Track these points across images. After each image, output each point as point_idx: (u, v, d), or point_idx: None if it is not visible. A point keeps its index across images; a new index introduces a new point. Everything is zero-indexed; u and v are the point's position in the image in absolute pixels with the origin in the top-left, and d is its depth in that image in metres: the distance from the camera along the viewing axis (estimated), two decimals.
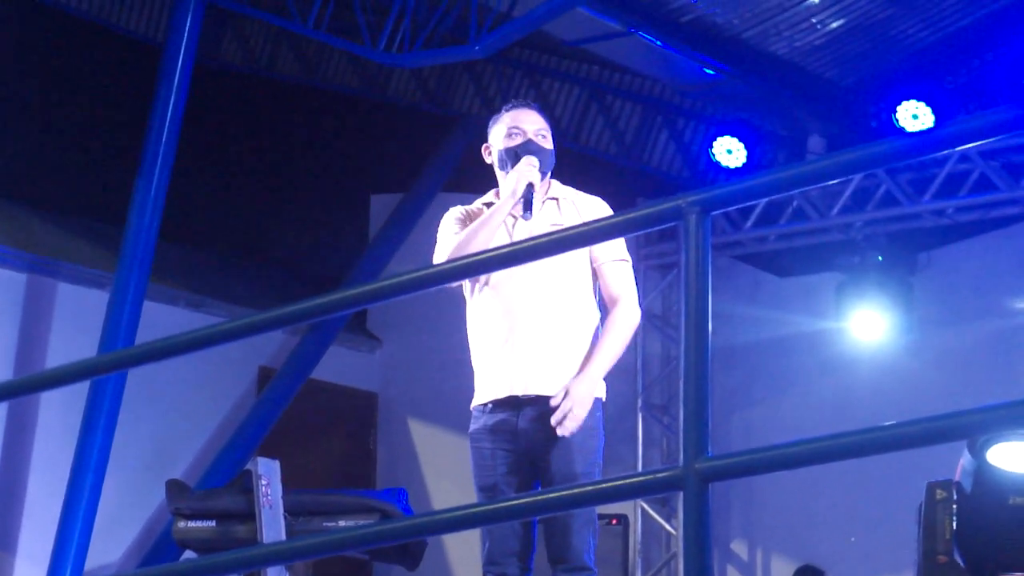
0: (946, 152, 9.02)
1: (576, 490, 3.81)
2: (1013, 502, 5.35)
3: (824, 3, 8.86)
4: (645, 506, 10.84)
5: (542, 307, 4.94)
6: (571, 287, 4.98)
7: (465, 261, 4.16)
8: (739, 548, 10.88)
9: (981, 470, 5.42)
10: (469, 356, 5.13)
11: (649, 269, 11.07)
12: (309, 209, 12.47)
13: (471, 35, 8.73)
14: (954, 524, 5.55)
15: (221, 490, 7.69)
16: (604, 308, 5.08)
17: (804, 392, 10.58)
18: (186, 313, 10.75)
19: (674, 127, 10.88)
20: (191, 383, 10.64)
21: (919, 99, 9.19)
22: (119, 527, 10.22)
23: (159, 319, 9.96)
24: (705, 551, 2.95)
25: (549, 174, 5.12)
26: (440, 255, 5.03)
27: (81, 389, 9.32)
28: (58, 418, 9.89)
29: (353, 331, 11.85)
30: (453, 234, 5.06)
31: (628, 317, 4.98)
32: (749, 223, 10.58)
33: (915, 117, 9.19)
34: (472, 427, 5.00)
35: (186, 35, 9.56)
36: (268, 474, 7.28)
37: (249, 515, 7.24)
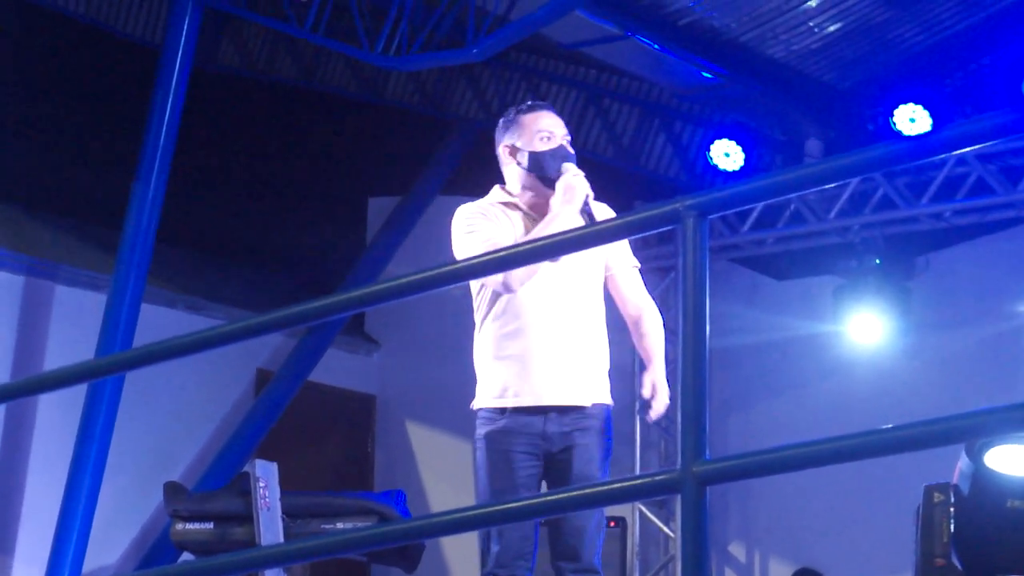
0: (944, 156, 9.03)
1: (575, 492, 3.82)
2: (1011, 505, 5.35)
3: (821, 7, 8.87)
4: (643, 509, 10.84)
5: (565, 316, 4.97)
6: (589, 295, 5.02)
7: (463, 265, 4.16)
8: (737, 551, 10.88)
9: (979, 473, 5.42)
10: (467, 358, 5.12)
11: (646, 272, 11.01)
12: (307, 212, 12.47)
13: (468, 38, 8.73)
14: (952, 527, 5.55)
15: (219, 492, 7.69)
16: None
17: (802, 395, 10.58)
18: (184, 316, 10.75)
19: (671, 130, 10.88)
20: (189, 386, 10.64)
21: (916, 102, 9.19)
22: (117, 529, 10.22)
23: (157, 322, 9.96)
24: (703, 554, 2.96)
25: None
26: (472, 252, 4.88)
27: (79, 391, 9.32)
28: (56, 420, 9.89)
29: (351, 334, 11.86)
30: (484, 238, 4.96)
31: (658, 316, 5.14)
32: (747, 226, 10.58)
33: (912, 120, 9.19)
34: (487, 428, 4.96)
35: (184, 38, 9.56)
36: (266, 476, 7.28)
37: (247, 517, 7.24)
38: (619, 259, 5.06)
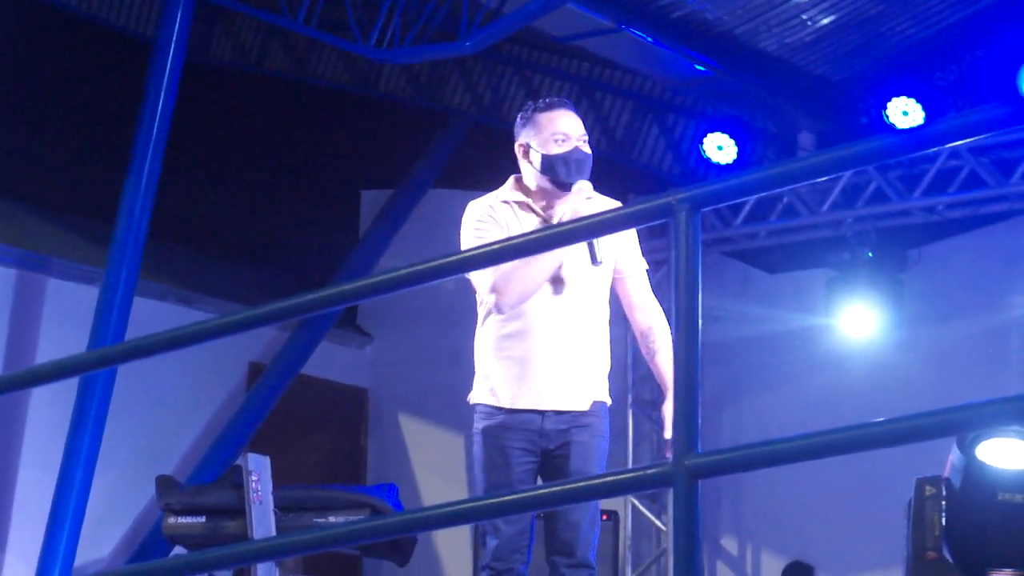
0: (936, 149, 9.03)
1: (568, 486, 3.82)
2: (1002, 498, 5.36)
3: (814, 0, 8.87)
4: (635, 502, 10.84)
5: (567, 319, 4.96)
6: (593, 298, 4.99)
7: (455, 258, 4.15)
8: (729, 544, 10.89)
9: (970, 466, 5.43)
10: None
11: None
12: (299, 205, 12.46)
13: (461, 31, 8.73)
14: (943, 520, 5.56)
15: (211, 486, 7.69)
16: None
17: (794, 388, 10.58)
18: (176, 309, 10.74)
19: (664, 123, 10.88)
20: (181, 379, 10.63)
21: (909, 96, 9.19)
22: (109, 523, 10.21)
23: (149, 315, 9.94)
24: (695, 547, 2.96)
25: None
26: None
27: (71, 385, 9.31)
28: (48, 414, 9.88)
29: (343, 327, 11.85)
30: (496, 261, 4.97)
31: (665, 327, 5.07)
32: (739, 219, 10.58)
33: (905, 114, 9.19)
34: (484, 423, 4.97)
35: (176, 31, 9.55)
36: (258, 470, 7.28)
37: (239, 511, 7.24)
38: (629, 261, 5.02)
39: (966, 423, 2.87)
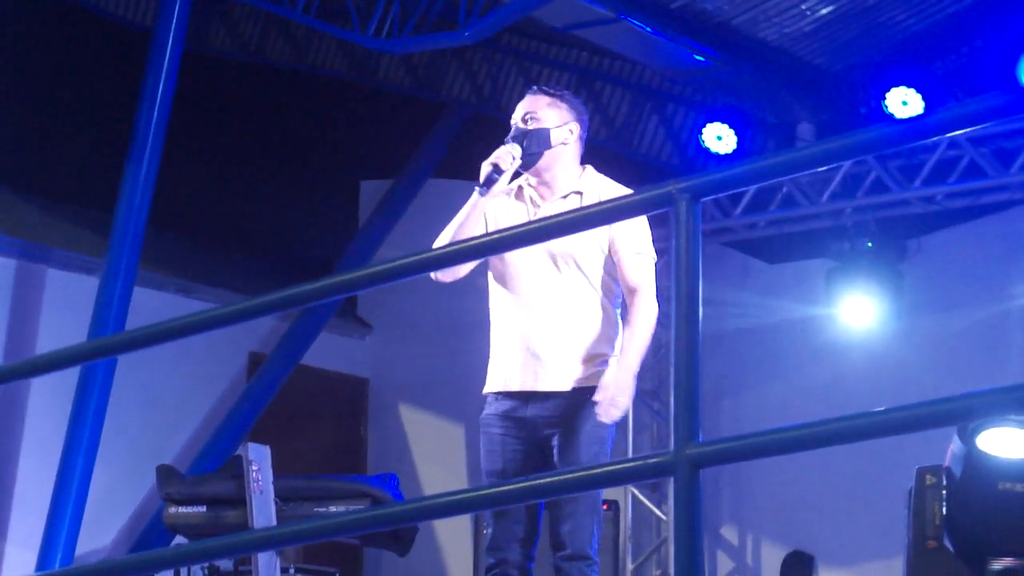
0: (936, 139, 9.02)
1: (567, 476, 3.82)
2: (1003, 487, 5.36)
3: None
4: (635, 492, 10.85)
5: (555, 302, 4.96)
6: (588, 286, 4.98)
7: (456, 248, 4.17)
8: (729, 533, 10.90)
9: (971, 455, 5.43)
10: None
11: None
12: (299, 195, 12.46)
13: (461, 21, 8.72)
14: (944, 509, 5.56)
15: (212, 475, 7.70)
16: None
17: (794, 378, 10.59)
18: (176, 299, 10.74)
19: (664, 113, 10.87)
20: (181, 369, 10.64)
21: (909, 86, 9.18)
22: (110, 512, 10.22)
23: (149, 305, 9.95)
24: (695, 536, 2.96)
25: (544, 154, 5.09)
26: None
27: (71, 375, 9.32)
28: (48, 404, 9.88)
29: (343, 317, 11.85)
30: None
31: (647, 310, 4.98)
32: (739, 209, 10.58)
33: (905, 104, 9.18)
34: (483, 413, 5.04)
35: (175, 20, 9.54)
36: (259, 459, 7.28)
37: (240, 500, 7.24)
38: (624, 244, 4.98)
39: (966, 412, 2.87)
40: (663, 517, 10.85)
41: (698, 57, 9.42)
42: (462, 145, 11.52)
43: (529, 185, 5.14)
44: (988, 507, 5.45)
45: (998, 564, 5.42)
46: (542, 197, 5.10)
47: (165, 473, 7.57)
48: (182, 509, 7.38)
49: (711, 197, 3.28)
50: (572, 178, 5.11)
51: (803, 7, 8.99)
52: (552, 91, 5.18)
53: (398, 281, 3.66)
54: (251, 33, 11.83)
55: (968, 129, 2.97)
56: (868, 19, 9.11)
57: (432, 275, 5.02)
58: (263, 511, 7.19)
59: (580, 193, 5.08)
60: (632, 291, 5.00)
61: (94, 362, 8.75)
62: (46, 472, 9.44)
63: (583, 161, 5.22)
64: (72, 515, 9.25)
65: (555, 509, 4.90)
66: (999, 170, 9.66)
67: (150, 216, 9.59)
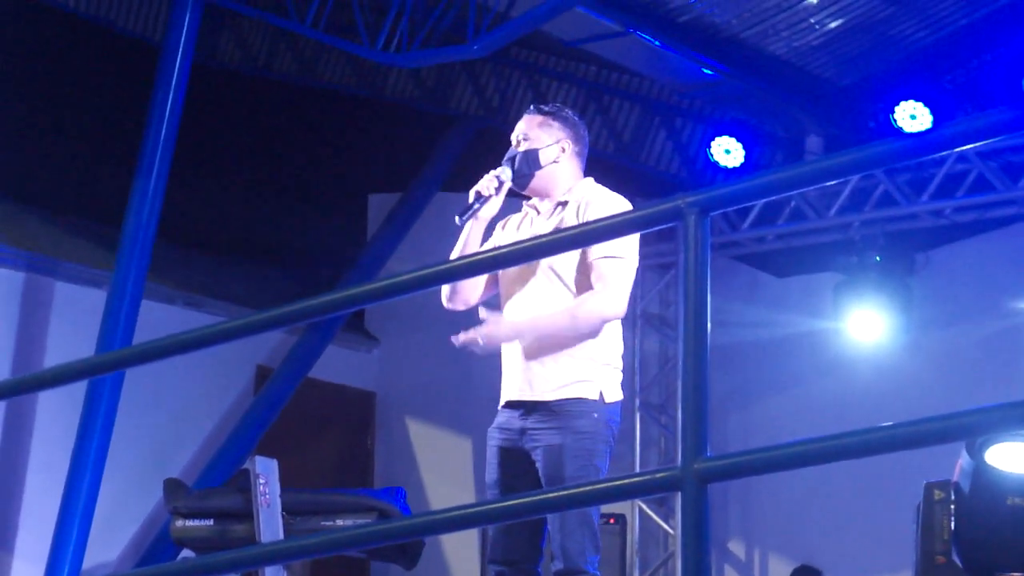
0: (944, 153, 9.02)
1: (575, 490, 3.81)
2: (1011, 502, 5.35)
3: (822, 3, 8.86)
4: (643, 506, 10.84)
5: (528, 312, 4.98)
6: (565, 291, 4.99)
7: (462, 262, 4.18)
8: (736, 548, 10.88)
9: (979, 470, 5.42)
10: (466, 356, 5.16)
11: (647, 269, 11.06)
12: (307, 208, 12.47)
13: (469, 34, 8.73)
14: (952, 524, 5.55)
15: (219, 489, 7.69)
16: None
17: (802, 392, 10.58)
18: (184, 312, 10.75)
19: (672, 127, 10.88)
20: (189, 382, 10.64)
21: (917, 99, 9.18)
22: (117, 526, 10.21)
23: (157, 318, 9.96)
24: (703, 551, 2.95)
25: (535, 175, 5.11)
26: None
27: (79, 388, 9.32)
28: (56, 417, 9.89)
29: (351, 330, 11.85)
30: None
31: (595, 300, 4.91)
32: (747, 223, 10.58)
33: (913, 118, 9.18)
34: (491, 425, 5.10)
35: (184, 34, 9.56)
36: (266, 473, 7.28)
37: (247, 514, 7.24)
38: (594, 250, 4.94)
39: (975, 427, 2.86)
40: (670, 531, 10.83)
41: (707, 71, 9.43)
42: (471, 159, 11.53)
43: (534, 208, 5.20)
44: (997, 522, 5.44)
45: None
46: (539, 214, 5.16)
47: (172, 487, 7.56)
48: (189, 523, 7.38)
49: (720, 211, 3.28)
50: (564, 192, 5.13)
51: (812, 21, 8.99)
52: (546, 109, 5.21)
53: (406, 295, 3.66)
54: (260, 47, 11.85)
55: (977, 143, 2.96)
56: (877, 33, 9.11)
57: (445, 303, 5.09)
58: (270, 525, 7.18)
59: (565, 204, 5.09)
60: (591, 287, 4.97)
61: (102, 376, 8.75)
62: (53, 486, 9.44)
63: (587, 174, 5.23)
64: (79, 529, 9.25)
65: (550, 523, 4.90)
66: (1007, 184, 9.66)
67: (158, 229, 9.60)
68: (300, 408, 11.10)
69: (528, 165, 5.11)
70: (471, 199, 5.06)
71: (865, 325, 10.21)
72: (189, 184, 10.87)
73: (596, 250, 4.96)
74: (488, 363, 5.19)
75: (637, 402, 10.96)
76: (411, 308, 11.27)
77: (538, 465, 4.89)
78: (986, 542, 5.48)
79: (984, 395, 8.83)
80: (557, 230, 4.80)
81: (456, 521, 3.71)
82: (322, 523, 7.27)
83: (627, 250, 4.98)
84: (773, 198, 9.84)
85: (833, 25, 9.03)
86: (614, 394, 4.96)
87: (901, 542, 6.34)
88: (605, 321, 4.94)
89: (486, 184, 5.06)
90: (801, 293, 10.80)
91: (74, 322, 10.09)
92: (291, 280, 11.76)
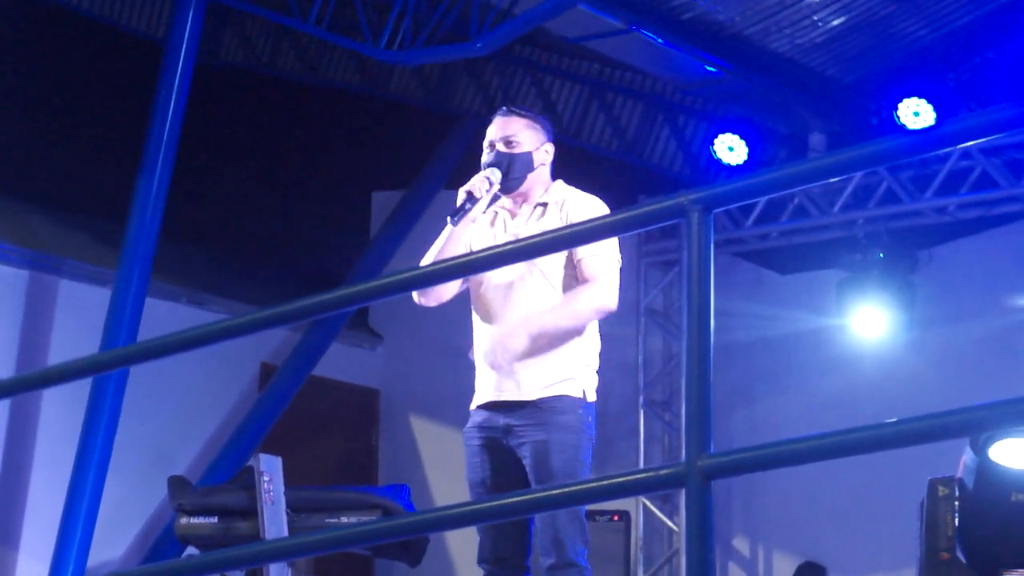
0: (947, 149, 9.02)
1: (578, 487, 3.82)
2: (1015, 499, 5.36)
3: (825, 0, 8.86)
4: (647, 503, 10.84)
5: (520, 311, 4.97)
6: (550, 293, 4.99)
7: (464, 260, 4.18)
8: (741, 545, 10.88)
9: (983, 467, 5.43)
10: (470, 353, 5.17)
11: (650, 266, 11.06)
12: (310, 206, 12.47)
13: (472, 32, 8.73)
14: (956, 521, 5.56)
15: (223, 486, 7.70)
16: None
17: (805, 389, 10.58)
18: (188, 310, 10.75)
19: (675, 124, 10.88)
20: (193, 380, 10.64)
21: (920, 96, 9.18)
22: (121, 523, 10.22)
23: (161, 316, 9.96)
24: (707, 548, 2.96)
25: (528, 177, 5.12)
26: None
27: (83, 386, 9.33)
28: (60, 415, 9.90)
29: (355, 328, 11.86)
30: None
31: (590, 293, 4.94)
32: (750, 220, 10.58)
33: (916, 114, 9.18)
34: (466, 425, 5.08)
35: (187, 32, 9.56)
36: (270, 470, 7.28)
37: (251, 511, 7.25)
38: (581, 249, 4.97)
39: (979, 423, 2.86)
40: (675, 528, 10.83)
41: (710, 68, 9.42)
42: (474, 157, 11.44)
43: (504, 208, 5.18)
44: (1001, 518, 5.45)
45: None
46: (513, 216, 5.14)
47: (177, 484, 7.57)
48: (194, 520, 7.39)
49: (723, 208, 3.28)
50: (541, 194, 5.13)
51: (815, 18, 8.99)
52: (526, 112, 5.23)
53: (409, 292, 3.67)
54: (263, 45, 11.85)
55: (980, 140, 2.97)
56: (880, 30, 9.11)
57: (416, 299, 5.08)
58: (275, 522, 7.19)
59: (545, 205, 5.10)
60: (585, 282, 4.98)
61: (106, 373, 8.76)
62: (58, 483, 9.45)
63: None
64: (84, 526, 9.26)
65: (536, 518, 4.91)
66: (1011, 181, 9.65)
67: (162, 227, 9.61)
68: (304, 406, 11.10)
69: (522, 168, 5.10)
70: (461, 200, 5.04)
71: (868, 322, 10.21)
72: (193, 182, 10.88)
73: (581, 251, 4.98)
74: None
75: (641, 399, 10.97)
76: (415, 305, 11.24)
77: (525, 461, 4.91)
78: (990, 538, 5.48)
79: (988, 391, 8.82)
80: (558, 228, 4.80)
81: (460, 518, 3.72)
82: (326, 520, 7.27)
83: (611, 247, 5.02)
84: (776, 195, 9.85)
85: (836, 22, 9.03)
86: (592, 394, 5.02)
87: (904, 538, 6.34)
88: (601, 313, 4.98)
89: (479, 185, 5.04)
90: (804, 290, 10.80)
91: (78, 320, 10.10)
92: (294, 278, 11.76)
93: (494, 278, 5.03)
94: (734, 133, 10.01)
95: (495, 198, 5.16)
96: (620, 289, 5.05)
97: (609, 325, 5.17)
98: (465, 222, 5.05)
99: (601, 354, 5.10)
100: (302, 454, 10.64)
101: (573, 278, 5.01)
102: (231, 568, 3.89)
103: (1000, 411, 2.75)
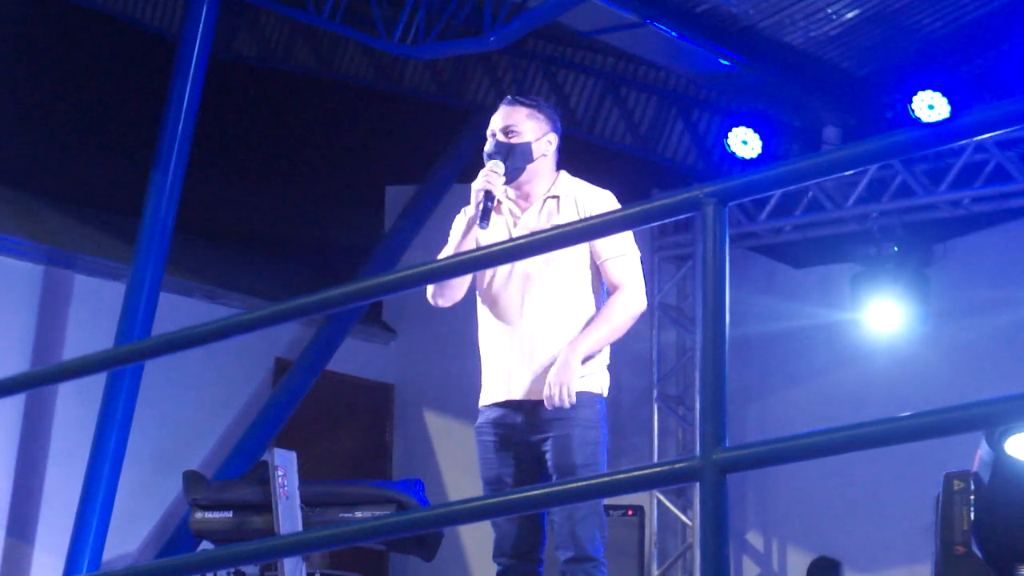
0: (962, 142, 8.99)
1: (593, 481, 3.81)
2: None
3: None
4: (661, 497, 10.83)
5: (539, 311, 4.97)
6: (569, 289, 4.99)
7: (478, 253, 4.18)
8: (755, 539, 10.87)
9: (999, 461, 5.42)
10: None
11: (664, 261, 11.05)
12: (324, 201, 12.49)
13: (486, 26, 8.72)
14: (972, 515, 5.55)
15: (238, 481, 7.72)
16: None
17: (819, 383, 10.56)
18: (202, 305, 10.76)
19: (689, 118, 10.86)
20: (207, 375, 10.66)
21: (935, 89, 9.16)
22: (136, 518, 10.24)
23: (175, 311, 9.98)
24: (722, 542, 2.95)
25: (527, 168, 5.11)
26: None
27: (98, 381, 9.34)
28: (75, 410, 9.91)
29: (368, 322, 11.86)
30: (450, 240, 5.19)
31: (623, 302, 4.97)
32: (764, 214, 10.57)
33: (931, 107, 9.16)
34: (477, 421, 5.07)
35: (201, 28, 9.57)
36: (285, 465, 7.30)
37: (266, 506, 7.26)
38: (603, 249, 4.99)
39: (994, 417, 2.85)
40: (688, 523, 10.83)
41: (723, 62, 9.41)
42: None
43: (508, 198, 5.16)
44: (1017, 513, 5.43)
45: None
46: (520, 208, 5.12)
47: (192, 479, 7.59)
48: (208, 515, 7.40)
49: (738, 201, 3.27)
50: (548, 185, 5.12)
51: (829, 11, 8.97)
52: (529, 101, 5.20)
53: (422, 287, 3.67)
54: (277, 40, 11.86)
55: (995, 133, 2.95)
56: (894, 23, 9.09)
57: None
58: (289, 516, 7.20)
59: (556, 198, 5.09)
60: (615, 288, 5.00)
61: (121, 368, 8.78)
62: (73, 478, 9.47)
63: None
64: (99, 520, 9.28)
65: (555, 512, 4.91)
66: None
67: (176, 221, 9.62)
68: (318, 400, 11.11)
69: (522, 158, 5.09)
70: (478, 199, 5.01)
71: (883, 316, 10.19)
72: (207, 177, 10.88)
73: (605, 251, 4.98)
74: None
75: (655, 393, 10.96)
76: (428, 300, 11.27)
77: (547, 456, 4.90)
78: (1006, 532, 5.47)
79: (1003, 385, 8.80)
80: (574, 222, 4.77)
81: (474, 512, 3.72)
82: (340, 515, 7.28)
83: (632, 246, 5.05)
84: (790, 188, 9.83)
85: (850, 15, 9.00)
86: (606, 389, 5.05)
87: (919, 532, 6.34)
88: (636, 318, 5.02)
89: (494, 182, 5.03)
90: (818, 284, 10.79)
91: (93, 315, 10.12)
92: (308, 272, 11.77)
93: (509, 272, 5.01)
94: (748, 127, 10.00)
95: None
96: None
97: None
98: (488, 220, 5.02)
99: (614, 348, 5.10)
100: (316, 449, 10.66)
101: (592, 276, 5.00)
102: (246, 562, 3.90)
103: (1015, 405, 2.74)
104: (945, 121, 8.92)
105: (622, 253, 4.97)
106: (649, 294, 5.25)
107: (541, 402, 4.91)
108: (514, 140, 5.09)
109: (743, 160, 10.00)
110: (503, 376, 5.00)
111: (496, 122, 5.15)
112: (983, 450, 5.47)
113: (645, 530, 10.49)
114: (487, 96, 11.35)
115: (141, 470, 10.05)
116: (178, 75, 9.58)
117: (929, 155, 9.71)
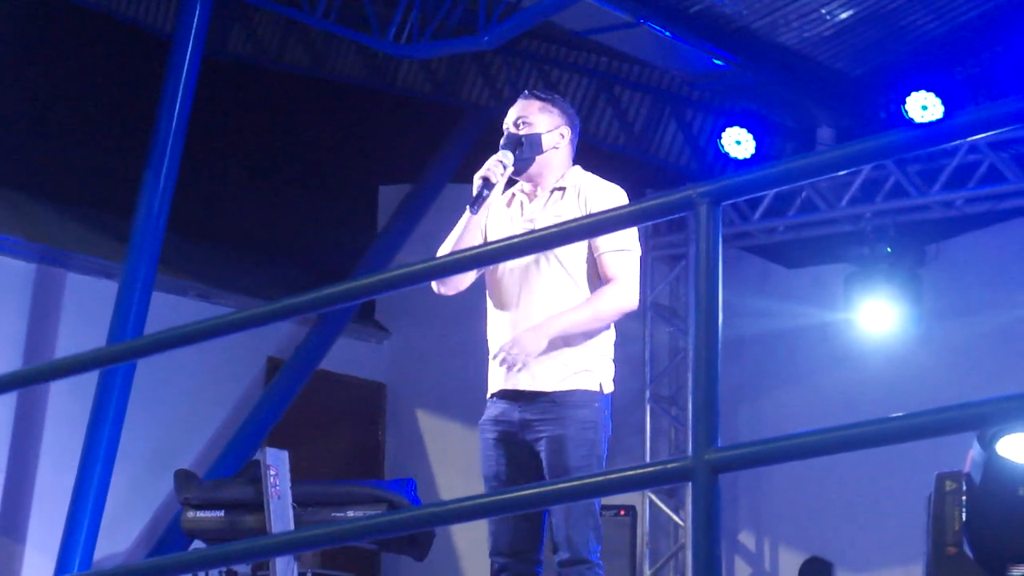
0: (956, 143, 9.00)
1: (585, 481, 3.81)
2: (1022, 493, 5.35)
3: None
4: (653, 497, 10.83)
5: (535, 301, 4.96)
6: (565, 280, 4.98)
7: (472, 252, 4.18)
8: (747, 539, 10.87)
9: (991, 462, 5.42)
10: (477, 346, 5.16)
11: (657, 260, 11.05)
12: (317, 200, 12.48)
13: (480, 26, 8.72)
14: (963, 515, 5.55)
15: (230, 480, 7.71)
16: None
17: (812, 383, 10.56)
18: (195, 303, 10.76)
19: (683, 118, 10.86)
20: (200, 374, 10.65)
21: (928, 90, 9.16)
22: (128, 517, 10.24)
23: (168, 309, 9.97)
24: (714, 542, 2.95)
25: (536, 159, 5.11)
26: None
27: (90, 379, 9.33)
28: (67, 408, 9.91)
29: (361, 322, 11.86)
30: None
31: (612, 293, 4.94)
32: (758, 214, 10.57)
33: (924, 108, 9.17)
34: (482, 418, 5.05)
35: (194, 26, 9.56)
36: (277, 464, 7.29)
37: (258, 505, 7.26)
38: (602, 242, 4.97)
39: (986, 418, 2.85)
40: (680, 523, 10.83)
41: (717, 62, 9.41)
42: (481, 150, 11.46)
43: (522, 191, 5.18)
44: (1008, 513, 5.44)
45: (1018, 570, 5.40)
46: (530, 199, 5.14)
47: (183, 478, 7.58)
48: (200, 514, 7.40)
49: (731, 201, 3.27)
50: (558, 177, 5.13)
51: (823, 11, 8.98)
52: (543, 96, 5.22)
53: (416, 286, 3.66)
54: (270, 39, 11.84)
55: (988, 133, 2.95)
56: (888, 23, 9.09)
57: (435, 288, 5.07)
58: (281, 516, 7.20)
59: (563, 189, 5.10)
60: (608, 281, 4.98)
61: (113, 367, 8.77)
62: (65, 476, 9.46)
63: (575, 163, 5.24)
64: (91, 519, 9.27)
65: (551, 513, 4.90)
66: (1019, 175, 9.64)
67: (169, 221, 9.61)
68: (311, 400, 11.11)
69: (531, 149, 5.12)
70: (477, 186, 5.04)
71: (876, 316, 10.20)
72: (200, 176, 10.87)
73: (603, 244, 4.98)
74: None
75: (647, 394, 10.96)
76: (421, 299, 11.22)
77: (542, 456, 4.89)
78: (997, 533, 5.48)
79: (995, 386, 8.81)
80: (569, 220, 4.76)
81: (466, 512, 3.71)
82: (332, 514, 7.28)
83: (633, 242, 5.03)
84: (784, 188, 9.83)
85: (844, 15, 9.01)
86: (609, 385, 5.01)
87: (911, 533, 6.34)
88: (622, 314, 4.98)
89: (494, 170, 5.05)
90: (812, 284, 10.79)
91: (85, 313, 10.11)
92: (301, 271, 11.76)
93: (509, 264, 5.02)
94: (742, 127, 10.01)
95: (511, 182, 5.16)
96: None
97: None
98: (484, 209, 5.04)
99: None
100: (308, 448, 10.65)
101: (592, 267, 5.00)
102: (237, 562, 3.89)
103: (1007, 406, 2.74)
104: (938, 122, 8.93)
105: (620, 248, 4.97)
106: (642, 294, 5.24)
107: (538, 392, 4.90)
108: (524, 131, 5.12)
109: (736, 160, 10.01)
110: (495, 368, 4.99)
111: (511, 115, 5.20)
112: (975, 451, 5.48)
113: (637, 530, 10.50)
114: (481, 96, 11.34)
115: (133, 469, 10.04)
116: (171, 74, 9.57)
117: (922, 156, 9.72)
